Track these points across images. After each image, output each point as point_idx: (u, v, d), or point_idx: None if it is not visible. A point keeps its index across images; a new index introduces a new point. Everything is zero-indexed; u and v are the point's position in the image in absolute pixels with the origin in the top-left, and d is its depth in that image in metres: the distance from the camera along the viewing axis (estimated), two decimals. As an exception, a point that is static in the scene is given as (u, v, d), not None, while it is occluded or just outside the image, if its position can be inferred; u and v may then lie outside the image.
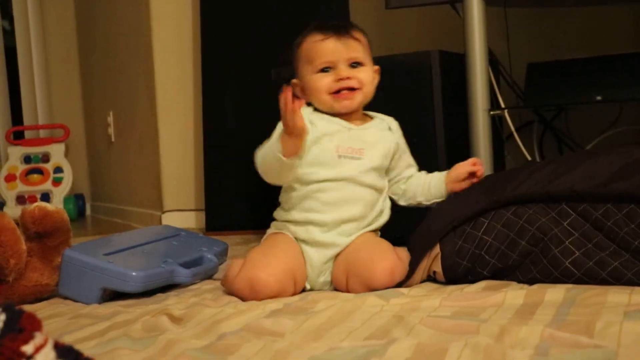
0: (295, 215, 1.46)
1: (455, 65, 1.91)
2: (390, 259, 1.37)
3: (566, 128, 2.23)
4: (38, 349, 0.74)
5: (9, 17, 3.88)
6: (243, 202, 2.54)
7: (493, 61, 2.03)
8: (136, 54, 3.09)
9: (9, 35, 3.87)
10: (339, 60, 1.44)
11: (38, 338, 0.75)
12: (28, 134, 3.81)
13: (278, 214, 1.51)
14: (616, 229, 1.24)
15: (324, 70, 1.45)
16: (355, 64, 1.45)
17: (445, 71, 1.90)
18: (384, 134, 1.51)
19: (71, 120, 3.89)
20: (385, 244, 1.44)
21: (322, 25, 1.48)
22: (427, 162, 1.87)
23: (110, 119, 3.49)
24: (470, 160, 1.50)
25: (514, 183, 1.37)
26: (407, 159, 1.55)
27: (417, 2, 2.00)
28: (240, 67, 2.56)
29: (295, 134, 1.34)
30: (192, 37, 2.86)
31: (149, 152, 3.00)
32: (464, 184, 1.48)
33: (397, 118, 1.90)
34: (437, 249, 1.38)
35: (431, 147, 1.88)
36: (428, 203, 1.53)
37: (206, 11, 2.67)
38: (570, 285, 1.24)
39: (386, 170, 1.52)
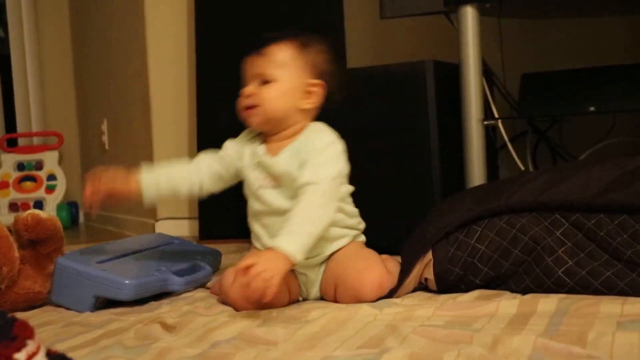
0: (258, 245, 1.47)
1: (450, 75, 1.91)
2: (378, 271, 1.37)
3: (560, 139, 2.24)
4: (30, 357, 0.74)
5: (3, 25, 3.88)
6: (237, 211, 2.52)
7: (487, 71, 2.04)
8: (131, 62, 3.09)
9: (3, 42, 3.87)
10: (250, 78, 1.47)
11: (30, 346, 0.75)
12: (22, 142, 3.80)
13: (252, 240, 1.51)
14: (609, 239, 1.25)
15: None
16: (264, 81, 1.45)
17: (440, 81, 1.91)
18: (292, 161, 1.40)
19: (65, 128, 3.87)
20: (374, 255, 1.44)
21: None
22: (421, 172, 1.89)
23: (105, 127, 3.48)
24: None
25: (507, 192, 1.37)
26: (306, 171, 1.36)
27: (411, 12, 2.00)
28: (235, 76, 2.54)
29: None
30: (187, 46, 2.86)
31: (143, 160, 2.99)
32: None
33: (391, 127, 1.92)
34: (429, 256, 1.38)
35: (425, 157, 1.89)
36: None
37: (201, 20, 2.67)
38: (563, 295, 1.25)
39: None
